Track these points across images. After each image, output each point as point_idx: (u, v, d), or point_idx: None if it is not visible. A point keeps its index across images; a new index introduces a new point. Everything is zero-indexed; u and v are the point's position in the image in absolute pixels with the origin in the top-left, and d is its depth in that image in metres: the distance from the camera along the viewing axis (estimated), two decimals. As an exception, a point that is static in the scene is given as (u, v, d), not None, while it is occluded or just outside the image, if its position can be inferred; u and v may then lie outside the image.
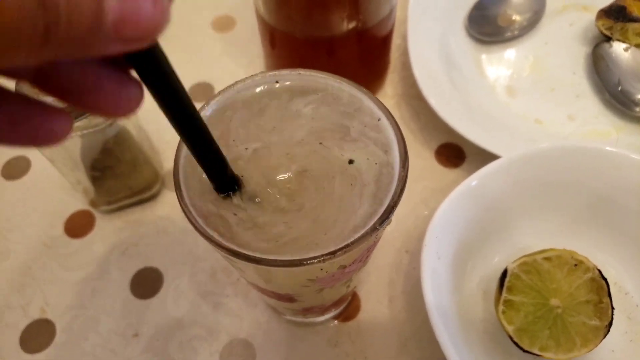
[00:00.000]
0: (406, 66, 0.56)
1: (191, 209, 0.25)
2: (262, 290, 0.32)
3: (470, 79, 0.54)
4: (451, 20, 0.57)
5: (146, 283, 0.44)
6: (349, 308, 0.42)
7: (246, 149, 0.27)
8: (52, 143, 0.18)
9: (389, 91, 0.55)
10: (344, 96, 0.29)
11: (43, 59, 0.14)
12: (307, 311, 0.36)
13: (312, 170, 0.26)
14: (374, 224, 0.24)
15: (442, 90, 0.51)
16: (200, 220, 0.25)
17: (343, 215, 0.25)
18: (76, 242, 0.46)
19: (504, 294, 0.38)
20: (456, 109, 0.50)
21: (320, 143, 0.27)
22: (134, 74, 0.18)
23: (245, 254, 0.24)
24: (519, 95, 0.54)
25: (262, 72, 0.29)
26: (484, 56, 0.57)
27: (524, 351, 0.37)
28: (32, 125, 0.17)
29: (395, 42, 0.56)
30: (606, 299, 0.37)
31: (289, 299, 0.32)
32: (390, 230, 0.46)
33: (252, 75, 0.29)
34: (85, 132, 0.38)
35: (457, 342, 0.35)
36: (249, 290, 0.43)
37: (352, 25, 0.43)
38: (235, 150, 0.27)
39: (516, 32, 0.57)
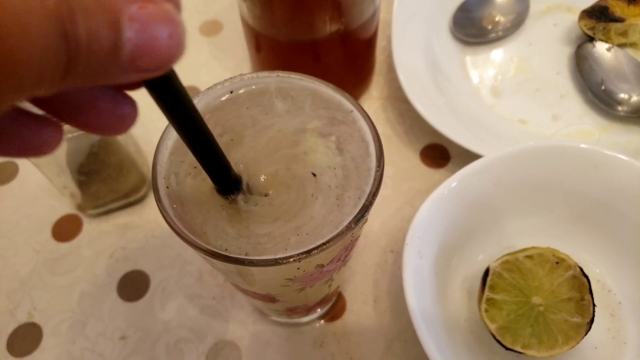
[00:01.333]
0: (392, 68, 0.57)
1: (170, 211, 0.26)
2: (245, 292, 0.32)
3: (455, 81, 0.55)
4: (436, 22, 0.58)
5: (133, 286, 0.44)
6: (334, 308, 0.43)
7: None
8: (43, 153, 0.18)
9: (375, 93, 0.56)
10: (322, 97, 0.29)
11: (62, 88, 0.14)
12: (291, 311, 0.36)
13: (288, 170, 0.27)
14: (350, 223, 0.25)
15: (427, 92, 0.51)
16: (178, 222, 0.25)
17: (319, 214, 0.25)
18: (64, 246, 0.47)
19: (486, 293, 0.38)
20: (441, 111, 0.50)
21: (297, 143, 0.27)
22: (128, 92, 0.18)
23: (222, 255, 0.24)
24: (504, 96, 0.55)
25: (240, 75, 0.30)
26: (468, 58, 0.58)
27: (507, 349, 0.37)
28: (23, 137, 0.17)
29: (381, 44, 0.57)
30: (588, 296, 0.38)
31: (271, 299, 0.32)
32: (375, 230, 0.47)
33: (230, 78, 0.30)
34: (70, 136, 0.39)
35: (440, 342, 0.35)
36: (235, 293, 0.43)
37: (335, 28, 0.44)
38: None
39: (500, 34, 0.58)
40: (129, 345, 0.42)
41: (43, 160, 0.40)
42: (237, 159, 0.27)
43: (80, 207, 0.47)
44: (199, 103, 0.29)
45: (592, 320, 0.37)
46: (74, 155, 0.42)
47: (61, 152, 0.41)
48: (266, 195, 0.26)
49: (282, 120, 0.28)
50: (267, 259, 0.24)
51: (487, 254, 0.43)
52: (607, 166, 0.41)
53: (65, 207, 0.48)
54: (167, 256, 0.46)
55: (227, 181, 0.25)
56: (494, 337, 0.37)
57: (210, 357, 0.41)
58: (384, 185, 0.49)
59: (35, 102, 0.17)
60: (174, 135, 0.28)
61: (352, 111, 0.28)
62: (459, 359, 0.37)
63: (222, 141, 0.28)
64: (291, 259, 0.24)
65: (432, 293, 0.38)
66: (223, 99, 0.29)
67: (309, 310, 0.38)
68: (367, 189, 0.26)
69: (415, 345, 0.41)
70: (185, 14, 0.61)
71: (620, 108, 0.51)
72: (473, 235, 0.42)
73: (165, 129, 0.28)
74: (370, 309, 0.43)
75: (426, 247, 0.38)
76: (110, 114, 0.18)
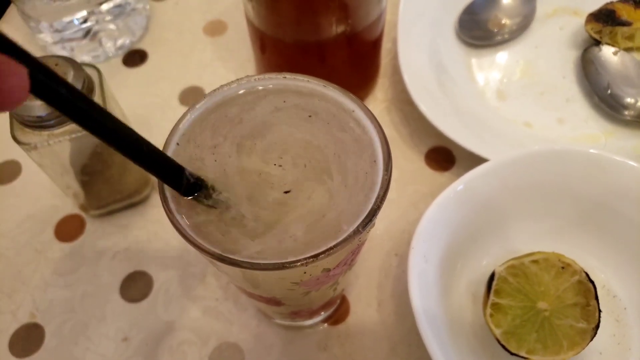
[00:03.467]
0: (397, 70, 0.56)
1: (176, 214, 0.25)
2: (250, 294, 0.32)
3: (461, 83, 0.55)
4: (441, 25, 0.58)
5: (136, 287, 0.44)
6: (338, 311, 0.42)
7: (229, 155, 0.27)
8: (9, 106, 0.16)
9: (380, 95, 0.56)
10: (328, 100, 0.29)
11: None
12: (295, 314, 0.36)
13: (296, 172, 0.26)
14: (357, 227, 0.25)
15: (432, 95, 0.51)
16: (185, 226, 0.25)
17: (326, 218, 0.25)
18: (66, 247, 0.46)
19: (492, 297, 0.38)
20: (446, 113, 0.50)
21: (304, 145, 0.27)
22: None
23: (228, 258, 0.24)
24: (509, 99, 0.55)
25: (247, 76, 0.29)
26: (474, 60, 0.57)
27: (512, 354, 0.37)
28: None
29: (386, 46, 0.57)
30: (593, 302, 0.37)
31: (276, 302, 0.32)
32: (379, 234, 0.46)
33: (237, 79, 0.29)
34: (74, 135, 0.38)
35: (445, 346, 0.35)
36: (238, 295, 0.43)
37: (341, 29, 0.43)
38: (219, 152, 0.27)
39: (506, 36, 0.58)
40: (131, 346, 0.42)
41: (46, 160, 0.40)
42: (245, 161, 0.27)
43: (83, 208, 0.47)
44: (205, 104, 0.29)
45: (597, 326, 0.37)
46: (78, 155, 0.42)
47: (64, 152, 0.40)
48: (273, 196, 0.26)
49: (289, 123, 0.28)
50: (273, 263, 0.23)
51: (492, 258, 0.42)
52: (614, 171, 0.40)
53: (68, 207, 0.48)
54: (170, 257, 0.45)
55: (177, 180, 0.24)
56: (498, 342, 0.37)
57: (213, 358, 0.41)
58: (388, 188, 0.49)
59: None
60: (178, 135, 0.28)
61: (360, 117, 0.28)
62: (463, 364, 0.36)
63: (227, 143, 0.27)
64: (298, 264, 0.23)
65: (437, 297, 0.38)
66: (228, 99, 0.29)
67: (313, 313, 0.38)
68: (375, 194, 0.26)
69: (419, 348, 0.41)
70: (189, 14, 0.61)
71: (626, 112, 0.51)
72: (478, 238, 0.42)
73: (172, 130, 0.28)
74: (374, 312, 0.43)
75: (431, 251, 0.38)
76: None
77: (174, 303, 0.43)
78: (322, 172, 0.26)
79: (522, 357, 0.36)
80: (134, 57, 0.58)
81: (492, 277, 0.38)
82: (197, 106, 0.29)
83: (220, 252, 0.24)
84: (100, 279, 0.45)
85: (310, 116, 0.28)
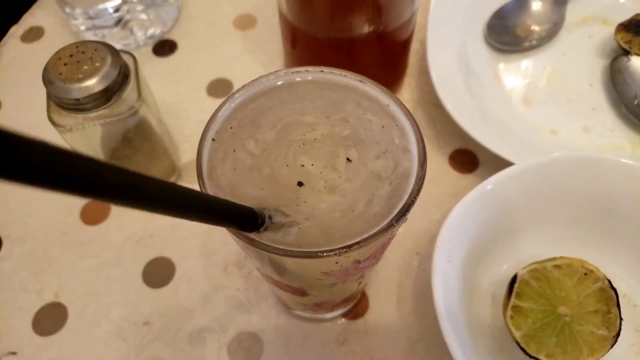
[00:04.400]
0: (423, 72, 0.57)
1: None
2: (276, 283, 0.32)
3: (487, 87, 0.55)
4: (470, 28, 0.58)
5: (159, 273, 0.45)
6: (357, 306, 0.43)
7: (270, 149, 0.27)
8: None
9: (406, 95, 0.56)
10: (365, 94, 0.29)
11: None
12: (318, 306, 0.37)
13: (337, 166, 0.27)
14: (391, 221, 0.25)
15: (459, 97, 0.51)
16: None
17: (363, 210, 0.25)
18: (92, 230, 0.47)
19: (513, 300, 0.38)
20: (472, 116, 0.50)
21: (345, 140, 0.28)
22: None
23: (263, 244, 0.24)
24: (535, 105, 0.55)
25: (285, 69, 0.30)
26: (501, 65, 0.57)
27: (531, 357, 0.37)
28: None
29: (414, 46, 0.57)
30: (615, 310, 0.37)
31: (302, 292, 0.32)
32: (401, 232, 0.47)
33: (275, 71, 0.30)
34: (107, 120, 0.39)
35: (464, 346, 0.35)
36: (260, 284, 0.44)
37: (373, 28, 0.44)
38: (259, 144, 0.27)
39: (534, 43, 0.58)
40: (152, 331, 0.42)
41: (79, 142, 0.41)
42: (287, 155, 0.27)
43: (111, 192, 0.48)
44: (243, 95, 0.29)
45: (618, 334, 0.37)
46: (108, 139, 0.43)
47: (96, 135, 0.41)
48: (310, 191, 0.26)
49: (329, 117, 0.28)
50: (308, 251, 0.24)
51: (513, 261, 0.42)
52: (638, 181, 0.40)
53: (95, 191, 0.49)
54: (193, 246, 0.46)
55: (248, 222, 0.23)
56: (518, 344, 0.37)
57: (232, 347, 0.41)
58: (410, 188, 0.49)
59: None
60: (217, 123, 0.28)
61: (397, 114, 0.28)
62: (481, 365, 0.36)
63: (268, 135, 0.28)
64: (332, 253, 0.24)
65: (458, 297, 0.38)
66: (267, 90, 0.29)
67: (334, 306, 0.38)
68: (409, 188, 0.26)
69: (437, 347, 0.41)
70: (220, 8, 0.62)
71: (653, 123, 0.51)
72: (501, 241, 0.42)
73: (210, 119, 0.28)
74: (394, 310, 0.43)
75: (455, 251, 0.38)
76: None
77: (196, 291, 0.44)
78: (362, 166, 0.27)
79: (541, 361, 0.37)
80: (164, 47, 0.59)
81: (514, 280, 0.38)
82: (236, 96, 0.29)
83: (258, 239, 0.24)
84: (124, 264, 0.45)
85: (348, 111, 0.29)
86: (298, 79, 0.30)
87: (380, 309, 0.43)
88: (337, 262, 0.25)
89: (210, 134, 0.28)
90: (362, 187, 0.26)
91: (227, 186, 0.26)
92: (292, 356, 0.41)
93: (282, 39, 0.51)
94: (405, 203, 0.25)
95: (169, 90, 0.56)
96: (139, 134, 0.43)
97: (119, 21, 0.57)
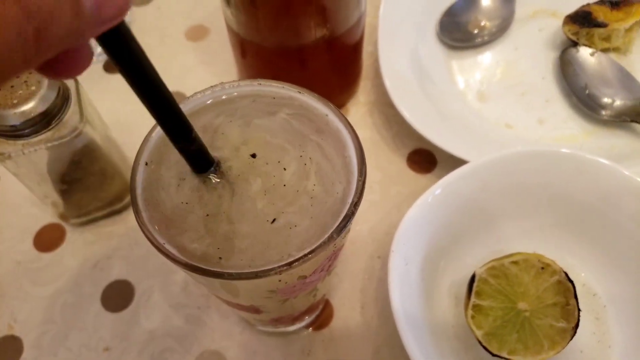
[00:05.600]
0: (379, 73, 0.56)
1: (149, 225, 0.25)
2: (228, 303, 0.32)
3: (442, 85, 0.55)
4: (422, 27, 0.58)
5: (118, 296, 0.44)
6: (321, 316, 0.42)
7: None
8: (75, 74, 0.18)
9: (362, 98, 0.56)
10: (303, 105, 0.29)
11: (38, 62, 0.14)
12: (277, 321, 0.36)
13: (272, 178, 0.26)
14: (332, 234, 0.24)
15: (413, 97, 0.51)
16: (157, 236, 0.25)
17: (302, 224, 0.25)
18: (46, 257, 0.46)
19: (473, 299, 0.38)
20: (427, 116, 0.50)
21: (282, 151, 0.27)
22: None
23: (202, 268, 0.24)
24: (490, 101, 0.55)
25: (221, 83, 0.29)
26: (454, 62, 0.58)
27: (493, 355, 0.37)
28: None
29: (367, 49, 0.57)
30: (573, 301, 0.38)
31: (255, 310, 0.32)
32: (362, 236, 0.46)
33: (211, 87, 0.29)
34: (50, 144, 0.38)
35: (426, 348, 0.35)
36: (221, 302, 0.43)
37: (320, 33, 0.44)
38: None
39: (486, 38, 0.58)
40: (112, 356, 0.41)
41: (23, 169, 0.40)
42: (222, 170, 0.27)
43: (63, 216, 0.46)
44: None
45: (577, 325, 0.37)
46: (55, 163, 0.41)
47: (41, 160, 0.40)
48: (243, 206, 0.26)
49: (264, 129, 0.28)
50: (247, 272, 0.23)
51: (474, 259, 0.42)
52: (590, 170, 0.41)
53: (47, 216, 0.48)
54: (152, 265, 0.45)
55: (198, 156, 0.24)
56: (480, 343, 0.37)
57: (195, 367, 0.41)
58: (371, 191, 0.49)
59: None
60: (152, 144, 0.28)
61: (335, 123, 0.28)
62: (446, 366, 0.36)
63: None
64: (272, 272, 0.23)
65: (419, 299, 0.38)
66: (202, 107, 0.29)
67: (295, 319, 0.38)
68: (349, 199, 0.26)
69: (402, 350, 0.40)
70: (171, 19, 0.60)
71: (604, 112, 0.52)
72: (461, 240, 0.42)
73: (143, 141, 0.28)
74: (358, 316, 0.43)
75: (412, 254, 0.38)
76: (70, 58, 0.17)
77: (156, 311, 0.43)
78: (299, 177, 0.26)
79: (504, 357, 0.37)
80: (114, 64, 0.58)
81: (472, 279, 0.39)
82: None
83: (193, 263, 0.24)
84: (81, 289, 0.44)
85: (285, 122, 0.28)
86: (235, 94, 0.29)
87: (345, 316, 0.43)
88: (280, 280, 0.25)
89: (144, 158, 0.27)
90: (301, 201, 0.26)
91: (164, 207, 0.26)
92: (257, 372, 0.40)
93: (232, 50, 0.51)
94: (345, 214, 0.25)
95: (122, 107, 0.54)
96: (86, 155, 0.42)
97: (66, 39, 0.56)
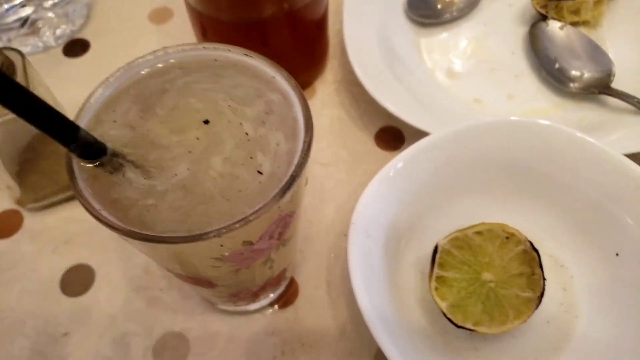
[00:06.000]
0: (345, 52, 0.56)
1: (85, 193, 0.24)
2: (179, 276, 0.31)
3: (410, 63, 0.54)
4: (389, 4, 0.57)
5: (77, 281, 0.43)
6: (286, 294, 0.41)
7: (145, 127, 0.26)
8: None
9: (329, 77, 0.55)
10: (250, 68, 0.28)
11: None
12: (235, 297, 0.35)
13: (215, 140, 0.25)
14: (275, 195, 0.24)
15: (380, 75, 0.50)
16: (96, 204, 0.24)
17: (246, 188, 0.24)
18: (3, 243, 0.44)
19: (436, 271, 0.37)
20: (395, 93, 0.49)
21: (226, 113, 0.26)
22: None
23: (139, 233, 0.23)
24: (459, 78, 0.54)
25: (164, 48, 0.28)
26: (423, 39, 0.57)
27: (458, 327, 0.36)
28: None
29: (335, 27, 0.56)
30: (538, 270, 0.37)
31: (209, 283, 0.31)
32: (329, 215, 0.46)
33: (153, 51, 0.28)
34: (1, 120, 0.36)
35: (389, 323, 0.34)
36: (183, 283, 0.42)
37: (278, 7, 0.42)
38: (132, 124, 0.26)
39: (455, 14, 0.57)
40: (72, 341, 0.40)
41: (-28, 151, 0.38)
42: (160, 133, 0.26)
43: (20, 201, 0.45)
44: (120, 78, 0.28)
45: (542, 294, 0.37)
46: (8, 146, 0.40)
47: (-7, 143, 0.39)
48: (187, 168, 0.25)
49: (208, 92, 0.27)
50: (184, 236, 0.22)
51: (439, 233, 0.42)
52: (555, 140, 0.40)
53: (4, 202, 0.46)
54: (112, 249, 0.44)
55: (73, 140, 0.23)
56: (444, 315, 0.36)
57: (157, 349, 0.39)
58: (337, 170, 0.48)
59: None
60: (91, 110, 0.27)
61: (274, 77, 0.27)
62: (410, 341, 0.36)
63: (141, 115, 0.26)
64: (211, 235, 0.22)
65: (383, 274, 0.37)
66: (144, 72, 0.28)
67: (255, 296, 0.37)
68: (295, 160, 0.25)
69: (367, 327, 0.40)
70: (133, 2, 0.59)
71: (573, 85, 0.51)
72: (425, 214, 0.42)
73: (82, 105, 0.27)
74: (324, 294, 0.42)
75: (374, 227, 0.37)
76: None
77: (117, 295, 0.42)
78: (244, 141, 0.25)
79: (469, 329, 0.36)
80: (75, 47, 0.57)
81: (435, 250, 0.38)
82: (111, 80, 0.28)
83: (129, 228, 0.23)
84: (40, 275, 0.43)
85: (231, 85, 0.27)
86: (175, 59, 0.28)
87: (310, 294, 0.42)
88: (222, 245, 0.24)
89: (82, 124, 0.26)
90: (246, 165, 0.25)
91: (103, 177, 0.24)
92: (219, 351, 0.39)
93: (192, 28, 0.50)
94: (290, 176, 0.24)
95: (83, 92, 0.53)
96: (40, 139, 0.41)
97: (25, 22, 0.54)
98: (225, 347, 0.39)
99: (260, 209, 0.23)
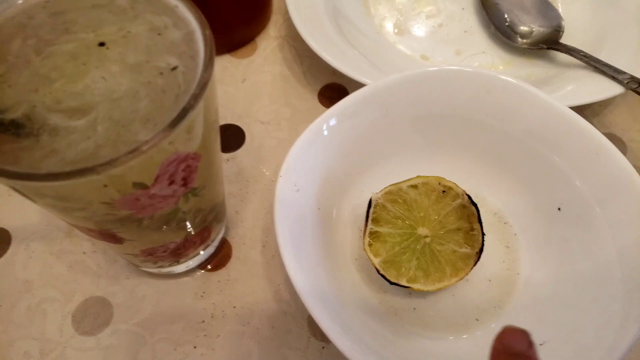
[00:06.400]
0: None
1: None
2: (83, 230, 0.28)
3: (356, 18, 0.52)
4: (336, -43, 0.54)
5: (-8, 246, 0.40)
6: (217, 256, 0.39)
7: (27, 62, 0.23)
8: None
9: (273, 33, 0.52)
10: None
11: None
12: (151, 255, 0.33)
13: (105, 74, 0.23)
14: (164, 128, 0.21)
15: (325, 31, 0.48)
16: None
17: (135, 122, 0.22)
18: None
19: (370, 226, 0.35)
20: (339, 49, 0.47)
21: (120, 44, 0.23)
22: None
23: (6, 171, 0.20)
24: (407, 34, 0.52)
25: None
26: (371, -6, 0.54)
27: (392, 283, 0.35)
28: None
29: (278, -19, 0.53)
30: (477, 226, 0.36)
31: (113, 237, 0.28)
32: (268, 175, 0.43)
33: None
34: None
35: (317, 280, 0.32)
36: (107, 245, 0.39)
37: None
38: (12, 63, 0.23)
39: (404, -31, 0.55)
40: (-16, 310, 0.37)
41: None
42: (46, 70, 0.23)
43: None
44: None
45: (481, 250, 0.35)
46: None
47: None
48: (76, 107, 0.22)
49: (100, 21, 0.24)
50: (57, 173, 0.20)
51: (377, 189, 0.40)
52: (498, 91, 0.38)
53: None
54: (33, 211, 0.41)
55: None
56: (378, 271, 0.35)
57: (77, 315, 0.37)
58: (279, 128, 0.46)
59: None
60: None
61: (177, 6, 0.25)
62: (343, 303, 0.34)
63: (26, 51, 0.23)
64: (89, 171, 0.20)
65: (315, 229, 0.35)
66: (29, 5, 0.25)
67: (176, 255, 0.34)
68: (190, 92, 0.22)
69: (303, 289, 0.38)
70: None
71: (522, 41, 0.50)
72: (363, 169, 0.40)
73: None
74: (258, 255, 0.40)
75: (305, 181, 0.35)
76: None
77: (35, 260, 0.39)
78: (137, 73, 0.23)
79: (403, 286, 0.34)
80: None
81: (369, 205, 0.36)
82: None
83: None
84: (-49, 240, 0.40)
85: (126, 15, 0.25)
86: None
87: (244, 256, 0.40)
88: (106, 186, 0.21)
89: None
90: (137, 97, 0.22)
91: None
92: (145, 316, 0.37)
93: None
94: (183, 108, 0.22)
95: None
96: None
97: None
98: (152, 312, 0.37)
99: (146, 142, 0.21)
